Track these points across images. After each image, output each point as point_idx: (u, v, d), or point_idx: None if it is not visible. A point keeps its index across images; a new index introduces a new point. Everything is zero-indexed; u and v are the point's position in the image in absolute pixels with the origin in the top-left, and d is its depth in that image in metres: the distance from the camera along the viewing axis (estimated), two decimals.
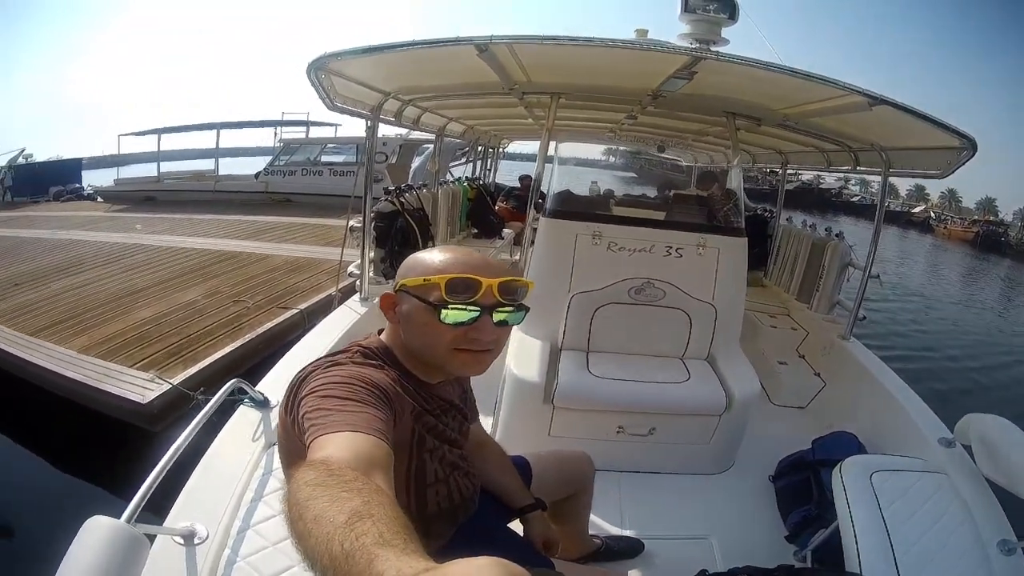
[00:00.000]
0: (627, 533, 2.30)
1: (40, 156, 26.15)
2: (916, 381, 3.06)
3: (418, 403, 1.12)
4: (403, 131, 12.67)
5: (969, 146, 2.62)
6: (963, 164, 2.79)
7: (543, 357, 2.73)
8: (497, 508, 1.48)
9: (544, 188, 3.48)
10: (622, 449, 2.64)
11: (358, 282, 3.72)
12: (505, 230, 7.09)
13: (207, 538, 1.53)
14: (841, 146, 3.75)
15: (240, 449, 1.94)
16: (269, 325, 5.77)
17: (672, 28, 2.29)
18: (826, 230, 4.57)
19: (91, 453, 4.30)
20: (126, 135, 20.21)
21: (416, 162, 11.69)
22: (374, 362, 1.10)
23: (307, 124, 18.22)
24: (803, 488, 2.50)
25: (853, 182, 42.38)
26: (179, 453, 1.62)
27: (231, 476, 1.80)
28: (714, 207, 3.49)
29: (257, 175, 16.72)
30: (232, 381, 2.06)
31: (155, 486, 1.48)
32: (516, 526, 1.52)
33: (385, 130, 12.87)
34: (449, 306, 1.04)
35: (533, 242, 3.16)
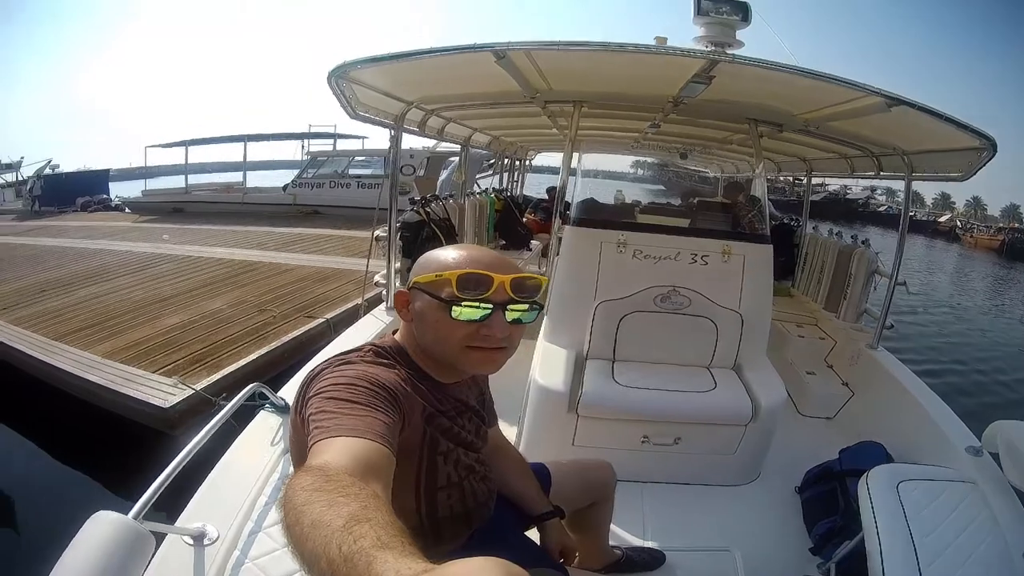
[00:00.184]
0: (649, 544, 2.26)
1: (66, 167, 26.72)
2: (944, 390, 3.02)
3: (430, 403, 1.11)
4: (430, 143, 12.80)
5: (989, 146, 2.58)
6: (984, 165, 2.76)
7: (568, 366, 2.71)
8: (514, 514, 1.46)
9: (568, 198, 3.47)
10: (646, 459, 2.62)
11: (384, 291, 3.73)
12: (533, 242, 7.06)
13: (217, 539, 1.54)
14: (863, 151, 3.72)
15: (258, 453, 1.95)
16: (295, 334, 5.79)
17: (688, 36, 2.31)
18: (852, 237, 4.53)
19: (111, 456, 4.35)
20: (153, 147, 20.45)
21: (443, 174, 11.80)
22: (385, 361, 1.09)
23: (334, 137, 18.43)
24: (829, 499, 2.45)
25: (879, 192, 42.07)
26: (192, 454, 1.64)
27: (247, 479, 1.81)
28: (739, 214, 3.46)
29: (285, 187, 16.90)
30: (252, 385, 2.07)
31: (166, 486, 1.50)
32: (534, 534, 1.49)
33: (412, 142, 13.02)
34: (461, 303, 1.03)
35: (559, 252, 3.15)
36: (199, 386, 4.55)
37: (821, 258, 4.72)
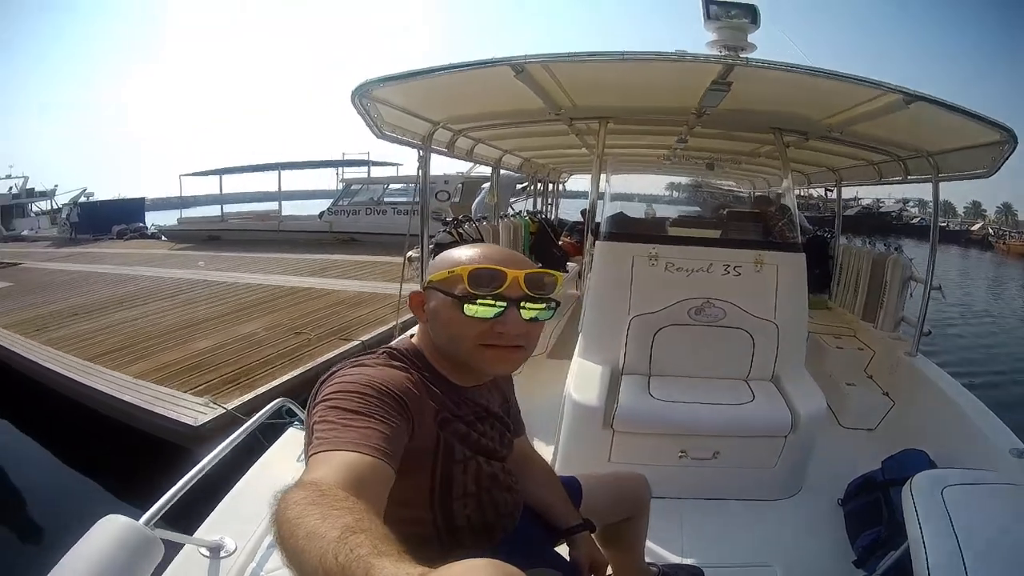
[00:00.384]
0: (687, 562, 2.20)
1: (100, 195, 27.60)
2: (986, 400, 2.94)
3: (445, 408, 1.08)
4: (464, 168, 12.88)
5: (1009, 138, 2.54)
6: (1007, 158, 2.72)
7: (603, 381, 2.68)
8: (542, 527, 1.41)
9: (599, 216, 3.46)
10: (685, 474, 2.56)
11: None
12: (569, 264, 6.95)
13: (234, 551, 1.54)
14: (889, 156, 3.70)
15: (282, 468, 1.95)
16: (329, 355, 5.82)
17: (695, 41, 2.33)
18: (884, 245, 4.50)
19: (141, 473, 4.40)
20: (187, 175, 20.89)
21: (477, 197, 11.94)
22: (398, 364, 1.07)
23: (368, 164, 18.57)
24: (872, 510, 2.36)
25: (912, 203, 41.45)
26: (211, 466, 1.64)
27: (269, 494, 1.80)
28: (769, 223, 3.43)
29: (321, 215, 17.10)
30: (277, 400, 2.08)
31: (180, 495, 1.51)
32: (563, 549, 1.44)
33: (446, 167, 13.18)
34: (475, 300, 1.01)
35: (591, 268, 3.14)
36: (231, 405, 4.59)
37: (856, 268, 4.68)
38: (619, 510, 1.65)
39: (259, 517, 1.69)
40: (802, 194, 6.87)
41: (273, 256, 13.18)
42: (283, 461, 1.99)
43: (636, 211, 4.06)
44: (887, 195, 39.92)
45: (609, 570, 1.52)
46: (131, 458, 4.50)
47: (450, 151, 4.24)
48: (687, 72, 2.47)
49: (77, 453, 4.97)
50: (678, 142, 4.29)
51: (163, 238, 20.06)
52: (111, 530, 1.26)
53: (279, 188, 18.58)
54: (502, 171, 6.51)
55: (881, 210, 38.68)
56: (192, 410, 4.56)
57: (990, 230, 39.77)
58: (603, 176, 3.54)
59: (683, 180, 6.21)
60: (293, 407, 2.13)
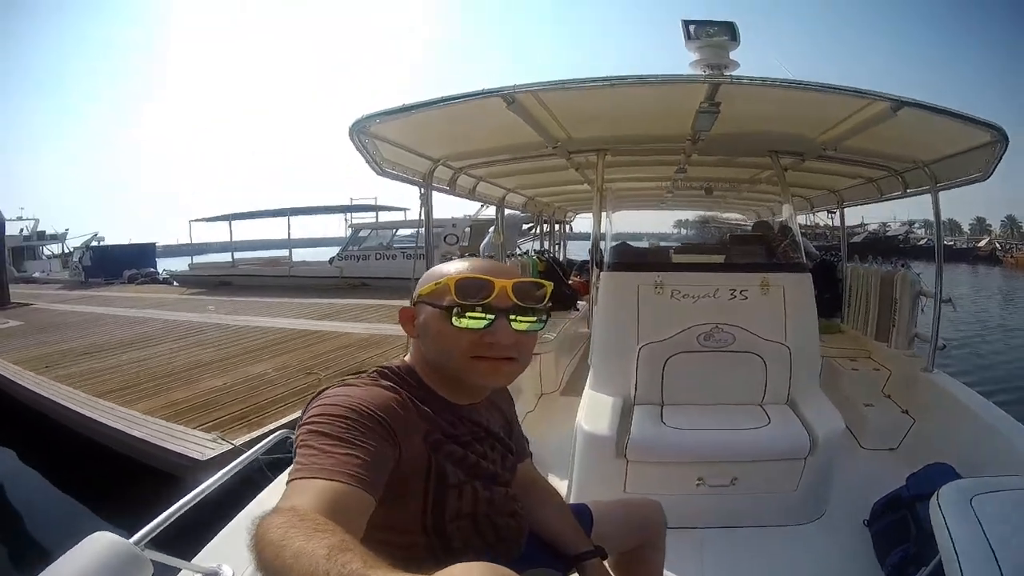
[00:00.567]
0: None
1: (110, 240, 28.06)
2: (1009, 409, 2.91)
3: (438, 428, 1.05)
4: (471, 211, 13.07)
5: (1000, 138, 2.54)
6: (1000, 158, 2.71)
7: (614, 411, 2.66)
8: (551, 555, 1.35)
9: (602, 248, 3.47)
10: (703, 502, 2.50)
11: None
12: (580, 302, 6.82)
13: None
14: (887, 170, 3.71)
15: None
16: None
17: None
18: (890, 262, 4.52)
19: (143, 506, 4.37)
20: (197, 220, 21.11)
21: (485, 238, 12.01)
22: (387, 383, 1.04)
23: (376, 209, 18.77)
24: (900, 527, 2.30)
25: (918, 225, 41.52)
26: (208, 492, 1.60)
27: None
28: (772, 245, 3.43)
29: (331, 260, 17.22)
30: (281, 431, 2.06)
31: (175, 518, 1.46)
32: None
33: (453, 210, 13.24)
34: (464, 313, 0.99)
35: (597, 300, 3.13)
36: (238, 441, 4.56)
37: (865, 288, 4.65)
38: (632, 537, 1.57)
39: None
40: (807, 223, 6.88)
41: (283, 301, 13.28)
42: None
43: (639, 240, 4.07)
44: (892, 218, 40.07)
45: None
46: (134, 489, 4.45)
47: (452, 189, 4.24)
48: (676, 95, 2.49)
49: (79, 483, 5.00)
50: (677, 172, 4.30)
51: (175, 283, 20.23)
52: (97, 547, 1.22)
53: (288, 235, 18.68)
54: (508, 211, 6.50)
55: (888, 234, 38.88)
56: (200, 445, 4.55)
57: (997, 244, 40.09)
58: (604, 213, 3.55)
59: (687, 216, 6.23)
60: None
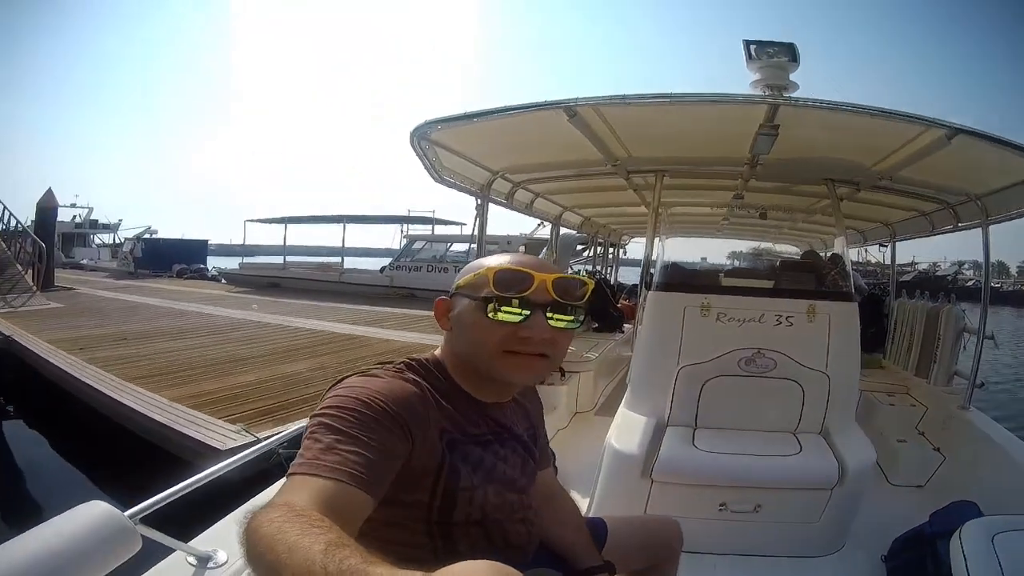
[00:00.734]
0: None
1: (163, 234, 28.89)
2: None
3: (456, 425, 1.03)
4: (527, 229, 13.32)
5: None
6: None
7: (646, 431, 2.63)
8: (560, 568, 1.30)
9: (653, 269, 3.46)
10: (723, 529, 2.45)
11: None
12: (626, 325, 6.72)
13: (224, 564, 1.50)
14: (939, 203, 3.65)
15: None
16: None
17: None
18: (937, 298, 4.45)
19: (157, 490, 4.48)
20: (252, 221, 21.48)
21: (540, 256, 11.94)
22: (411, 376, 1.02)
23: (432, 221, 18.94)
24: (917, 566, 2.21)
25: (967, 265, 40.48)
26: (214, 477, 1.63)
27: None
28: (821, 272, 3.37)
29: (383, 269, 17.47)
30: (302, 426, 2.07)
31: (175, 497, 1.48)
32: None
33: (509, 228, 13.23)
34: (500, 305, 0.97)
35: (642, 320, 3.11)
36: (263, 435, 4.51)
37: (910, 324, 4.59)
38: (646, 555, 1.52)
39: None
40: (858, 259, 6.77)
41: (330, 305, 13.42)
42: None
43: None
44: (943, 258, 39.10)
45: None
46: (153, 475, 4.60)
47: (509, 203, 4.27)
48: (735, 116, 2.48)
49: (92, 460, 5.17)
50: (735, 198, 4.26)
51: (222, 281, 20.60)
52: (90, 514, 1.23)
53: (343, 242, 18.85)
54: (563, 230, 6.49)
55: (937, 274, 38.08)
56: (222, 435, 4.59)
57: None
58: (657, 238, 3.54)
59: (740, 247, 6.18)
60: None
